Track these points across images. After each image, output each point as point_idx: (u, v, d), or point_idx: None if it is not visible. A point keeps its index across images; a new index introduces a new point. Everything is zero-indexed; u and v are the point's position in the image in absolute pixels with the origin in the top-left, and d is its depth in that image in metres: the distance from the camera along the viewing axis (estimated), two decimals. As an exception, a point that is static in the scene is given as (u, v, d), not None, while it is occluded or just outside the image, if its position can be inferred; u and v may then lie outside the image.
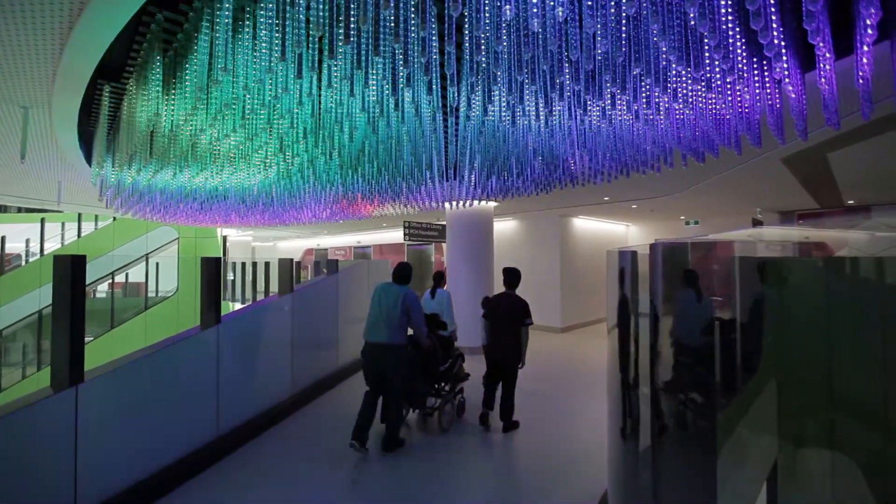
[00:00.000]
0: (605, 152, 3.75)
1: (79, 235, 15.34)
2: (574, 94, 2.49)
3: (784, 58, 1.92)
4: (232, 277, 15.67)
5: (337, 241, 18.96)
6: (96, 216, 14.99)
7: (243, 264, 15.28)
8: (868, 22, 1.53)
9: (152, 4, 2.48)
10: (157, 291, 15.48)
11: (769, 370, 1.82)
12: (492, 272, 8.52)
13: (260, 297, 13.76)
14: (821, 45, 1.68)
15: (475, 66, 2.02)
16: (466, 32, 1.89)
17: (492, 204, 8.49)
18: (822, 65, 1.87)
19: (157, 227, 15.29)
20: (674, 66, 2.22)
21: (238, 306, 14.36)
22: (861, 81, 1.94)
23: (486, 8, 1.70)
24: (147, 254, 15.40)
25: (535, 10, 1.52)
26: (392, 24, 1.72)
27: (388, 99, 2.63)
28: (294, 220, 8.79)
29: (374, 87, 2.39)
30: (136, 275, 15.71)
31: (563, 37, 1.87)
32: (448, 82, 2.12)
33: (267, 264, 13.30)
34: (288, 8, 1.98)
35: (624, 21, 1.85)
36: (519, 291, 4.69)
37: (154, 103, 2.79)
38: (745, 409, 1.92)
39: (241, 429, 4.34)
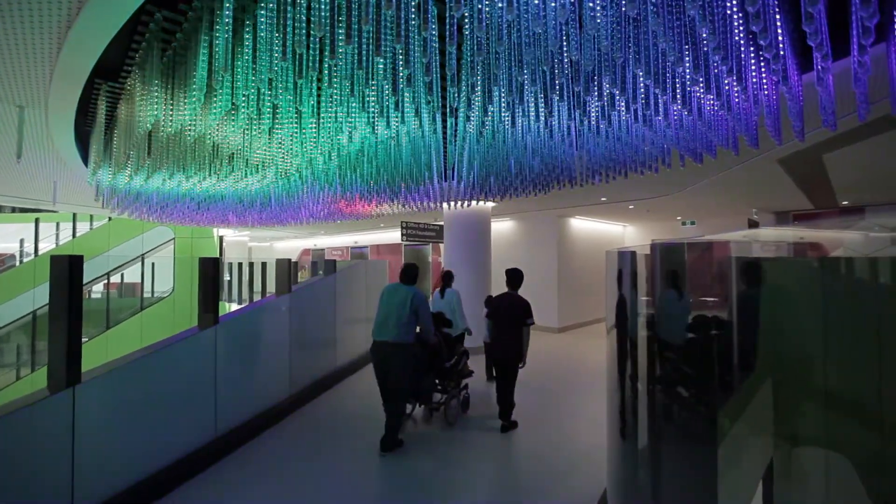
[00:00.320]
0: (604, 152, 3.76)
1: (73, 235, 15.25)
2: (573, 95, 2.50)
3: (781, 59, 1.93)
4: (228, 278, 15.61)
5: (334, 241, 18.92)
6: (91, 216, 14.90)
7: (240, 265, 15.23)
8: (866, 25, 1.54)
9: (151, 3, 2.47)
10: (152, 292, 15.40)
11: (765, 369, 1.83)
12: (490, 272, 8.53)
13: (257, 297, 13.72)
14: (820, 46, 1.69)
15: (475, 66, 2.03)
16: (467, 33, 1.89)
17: (490, 204, 8.50)
18: (820, 66, 1.89)
19: (153, 227, 15.22)
20: (673, 66, 2.23)
21: (235, 307, 14.31)
22: (859, 83, 1.96)
23: (486, 9, 1.71)
24: (143, 254, 15.32)
25: (537, 13, 1.52)
26: (393, 25, 1.72)
27: (389, 99, 2.63)
28: (292, 221, 8.77)
29: (375, 88, 2.39)
30: (131, 275, 15.63)
31: (563, 37, 1.88)
32: (448, 83, 2.12)
33: (264, 264, 13.26)
34: (289, 8, 1.98)
35: (623, 21, 1.86)
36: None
37: (153, 103, 2.78)
38: (742, 408, 1.93)
39: (240, 429, 4.32)
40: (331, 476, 3.68)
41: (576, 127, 3.25)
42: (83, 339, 3.11)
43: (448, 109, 2.59)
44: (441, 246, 14.15)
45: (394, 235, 15.64)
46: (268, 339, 5.01)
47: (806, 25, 1.55)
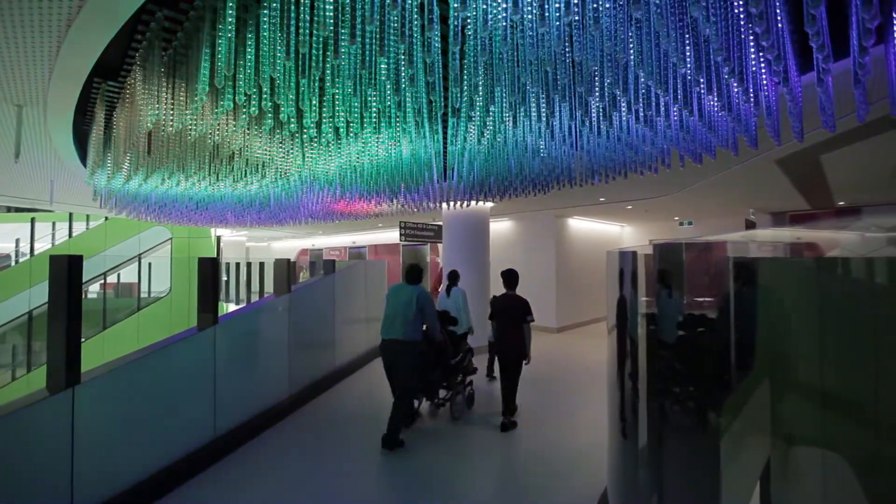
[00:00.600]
0: (605, 153, 3.78)
1: (70, 235, 15.16)
2: (575, 95, 2.50)
3: (783, 60, 1.94)
4: (225, 278, 15.56)
5: (332, 241, 18.90)
6: (87, 216, 14.83)
7: (237, 264, 15.18)
8: (867, 26, 1.55)
9: (152, 2, 2.47)
10: (149, 292, 15.34)
11: (758, 367, 1.84)
12: (488, 272, 8.54)
13: (254, 297, 13.68)
14: (822, 48, 1.70)
15: (478, 66, 2.03)
16: (470, 33, 1.90)
17: (488, 204, 8.51)
18: (821, 67, 1.90)
19: (150, 227, 15.15)
20: (675, 67, 2.24)
21: (233, 307, 14.27)
22: (859, 84, 1.97)
23: (491, 10, 1.71)
24: (140, 254, 15.25)
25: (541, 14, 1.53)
26: (397, 25, 1.72)
27: (391, 99, 2.63)
28: (291, 220, 8.75)
29: (378, 88, 2.38)
30: (128, 275, 15.56)
31: (565, 38, 1.88)
32: (451, 83, 2.13)
33: (262, 265, 13.22)
34: (291, 7, 1.98)
35: (626, 22, 1.86)
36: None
37: (155, 102, 2.77)
38: (730, 404, 1.95)
39: (239, 429, 4.31)
40: (331, 476, 3.68)
41: (577, 127, 3.26)
42: (79, 340, 3.09)
43: (450, 110, 2.59)
44: (439, 246, 14.15)
45: (392, 235, 15.63)
46: (267, 339, 5.00)
47: (808, 27, 1.56)
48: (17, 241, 14.99)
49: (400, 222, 9.29)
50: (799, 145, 4.35)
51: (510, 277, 4.88)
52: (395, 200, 6.53)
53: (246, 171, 4.47)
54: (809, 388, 1.74)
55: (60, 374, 2.89)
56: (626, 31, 1.77)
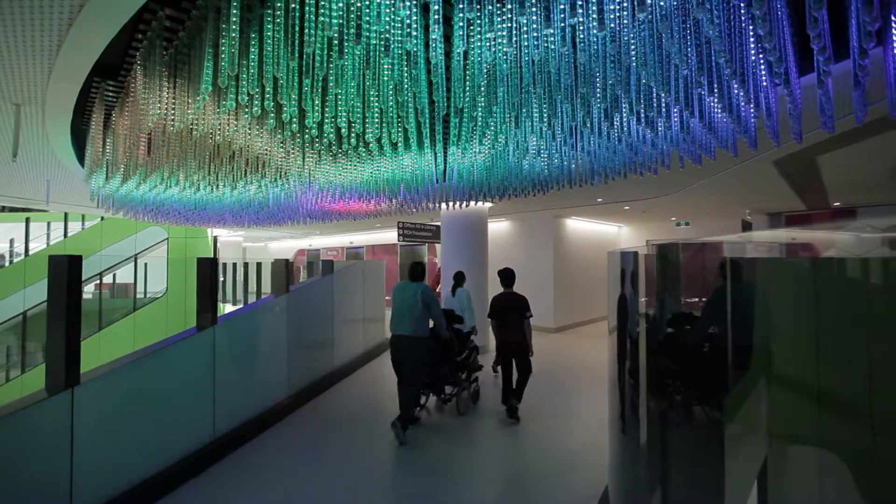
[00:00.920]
0: (605, 153, 3.79)
1: (65, 235, 15.07)
2: (577, 96, 2.52)
3: (784, 62, 1.96)
4: (222, 279, 15.49)
5: (329, 241, 18.86)
6: (83, 216, 14.73)
7: (234, 265, 15.12)
8: (868, 29, 1.57)
9: (154, 2, 2.46)
10: (145, 292, 15.26)
11: (758, 368, 1.86)
12: (487, 272, 8.55)
13: (252, 298, 13.63)
14: (823, 50, 1.72)
15: (482, 67, 2.04)
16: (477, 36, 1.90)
17: (487, 205, 8.52)
18: (822, 69, 1.92)
19: (146, 227, 15.07)
20: (677, 68, 2.25)
21: (230, 308, 14.21)
22: (859, 86, 1.99)
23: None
24: (136, 254, 15.17)
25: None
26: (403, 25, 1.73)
27: (392, 100, 2.63)
28: (289, 221, 8.73)
29: (381, 88, 2.39)
30: (124, 275, 15.47)
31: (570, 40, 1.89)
32: (453, 84, 2.13)
33: (259, 265, 13.18)
34: (296, 7, 1.98)
35: (630, 24, 1.87)
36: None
37: (156, 100, 2.76)
38: (737, 407, 1.97)
39: (238, 430, 4.30)
40: (330, 476, 3.67)
41: (578, 128, 3.28)
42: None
43: (452, 110, 2.60)
44: (437, 246, 14.15)
45: (389, 236, 15.61)
46: (266, 339, 4.99)
47: (810, 29, 1.58)
48: (12, 240, 14.88)
49: (398, 222, 9.29)
50: (796, 146, 4.39)
51: (507, 276, 5.08)
52: (394, 200, 6.53)
53: (246, 170, 4.46)
54: (790, 384, 1.77)
55: (60, 375, 2.88)
56: (630, 33, 1.78)
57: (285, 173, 4.72)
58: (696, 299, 2.44)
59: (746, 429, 1.96)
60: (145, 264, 15.29)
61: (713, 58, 2.11)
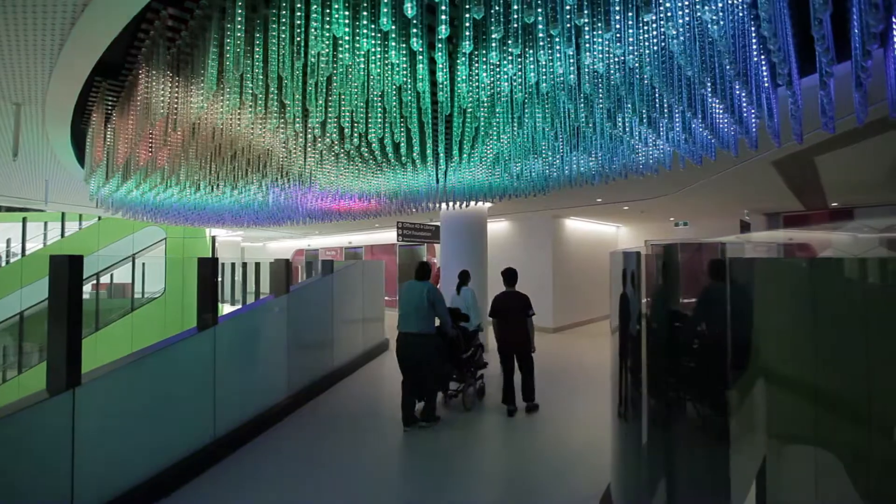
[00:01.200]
0: (607, 154, 3.80)
1: (62, 235, 14.99)
2: (580, 95, 2.52)
3: (787, 63, 1.97)
4: (220, 279, 15.42)
5: (328, 241, 18.83)
6: (80, 215, 14.66)
7: (233, 265, 15.07)
8: (872, 31, 1.58)
9: (157, 1, 2.45)
10: (143, 292, 15.19)
11: (756, 368, 1.88)
12: (486, 272, 8.56)
13: (250, 298, 13.60)
14: (826, 51, 1.73)
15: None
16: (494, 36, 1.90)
17: (487, 205, 8.53)
18: (825, 70, 1.93)
19: (144, 226, 15.01)
20: (681, 70, 2.26)
21: (228, 308, 14.17)
22: (860, 88, 2.00)
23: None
24: (133, 254, 15.10)
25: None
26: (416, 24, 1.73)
27: (395, 100, 2.64)
28: (288, 221, 8.72)
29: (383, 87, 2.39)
30: (121, 275, 15.40)
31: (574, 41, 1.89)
32: (458, 81, 2.13)
33: (257, 265, 13.15)
34: (300, 7, 1.97)
35: (636, 27, 1.88)
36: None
37: (159, 100, 2.75)
38: (735, 407, 1.98)
39: (238, 431, 4.29)
40: (330, 477, 3.67)
41: (580, 128, 3.28)
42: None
43: (455, 110, 2.60)
44: (436, 246, 14.15)
45: (388, 236, 15.60)
46: (266, 339, 4.99)
47: (815, 31, 1.59)
48: (9, 240, 14.80)
49: (397, 222, 9.29)
50: (796, 147, 4.41)
51: (510, 275, 5.22)
52: (393, 201, 6.54)
53: (247, 170, 4.45)
54: (780, 381, 1.79)
55: (61, 375, 2.87)
56: (635, 34, 1.79)
57: (286, 173, 4.71)
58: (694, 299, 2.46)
59: (740, 427, 1.98)
60: (143, 264, 15.22)
61: (716, 59, 2.12)
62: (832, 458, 1.61)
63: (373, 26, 1.88)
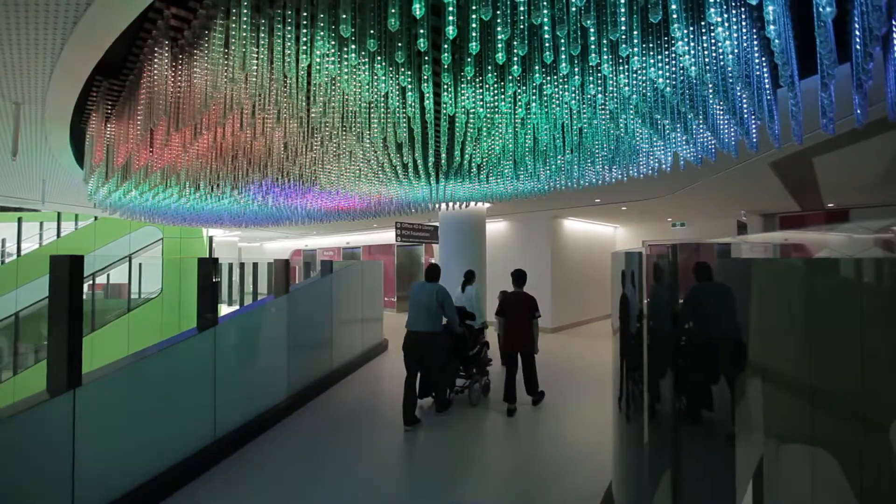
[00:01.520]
0: (609, 154, 3.82)
1: (58, 235, 14.89)
2: (584, 95, 2.54)
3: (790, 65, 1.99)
4: (216, 279, 15.34)
5: (326, 241, 18.80)
6: (76, 215, 14.57)
7: (230, 265, 15.02)
8: (875, 34, 1.60)
9: (160, 1, 2.45)
10: (139, 293, 15.10)
11: (754, 368, 1.90)
12: (484, 272, 8.57)
13: (248, 299, 13.55)
14: (829, 54, 1.74)
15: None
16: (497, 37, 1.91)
17: (485, 205, 8.54)
18: (826, 72, 1.95)
19: (141, 227, 14.93)
20: (686, 71, 2.28)
21: (225, 308, 14.11)
22: (861, 90, 2.02)
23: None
24: (130, 254, 15.02)
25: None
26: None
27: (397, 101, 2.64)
28: (288, 221, 8.70)
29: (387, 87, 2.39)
30: (118, 276, 15.31)
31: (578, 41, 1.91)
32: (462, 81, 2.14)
33: (255, 265, 13.11)
34: (306, 7, 1.98)
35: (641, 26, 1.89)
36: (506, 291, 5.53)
37: (161, 100, 2.75)
38: (733, 406, 2.01)
39: (238, 431, 4.28)
40: (330, 477, 3.66)
41: (581, 129, 3.30)
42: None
43: (458, 109, 2.61)
44: (434, 247, 14.15)
45: (385, 236, 15.59)
46: (266, 340, 4.98)
47: (818, 34, 1.60)
48: (4, 241, 14.69)
49: (396, 223, 9.30)
50: (794, 147, 4.44)
51: (519, 276, 5.36)
52: (393, 201, 6.54)
53: (248, 170, 4.44)
54: (801, 386, 1.80)
55: (62, 376, 2.85)
56: (640, 36, 1.80)
57: (287, 172, 4.71)
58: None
59: (741, 426, 2.01)
60: (139, 265, 15.14)
61: (719, 60, 2.13)
62: (828, 457, 1.63)
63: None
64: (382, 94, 2.21)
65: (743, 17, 1.96)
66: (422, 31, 1.63)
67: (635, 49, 1.72)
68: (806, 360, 1.71)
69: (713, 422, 2.15)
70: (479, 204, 8.17)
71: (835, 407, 1.63)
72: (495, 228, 11.74)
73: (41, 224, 15.10)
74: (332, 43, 1.83)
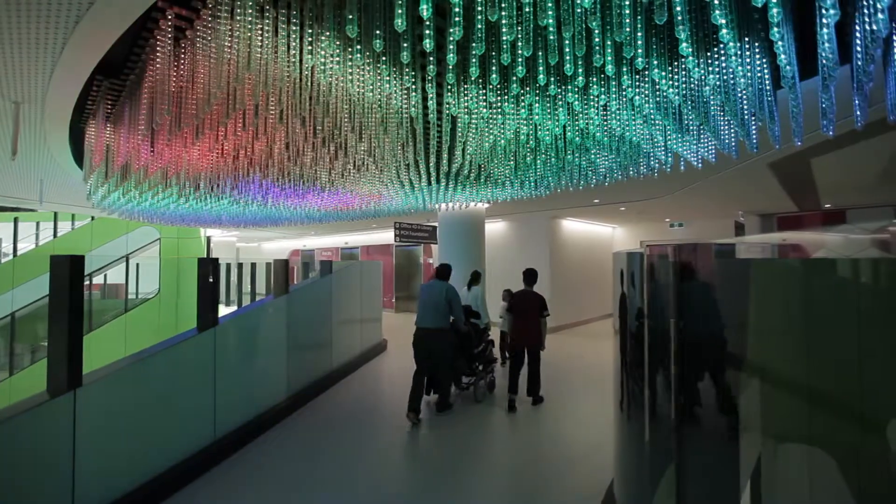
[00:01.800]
0: (610, 154, 3.83)
1: (55, 235, 14.82)
2: (588, 95, 2.55)
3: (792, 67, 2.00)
4: (212, 279, 15.25)
5: (324, 241, 18.77)
6: (73, 215, 14.50)
7: (228, 265, 14.97)
8: (877, 35, 1.61)
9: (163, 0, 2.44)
10: (136, 293, 15.04)
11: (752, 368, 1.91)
12: (484, 272, 8.57)
13: (246, 299, 13.51)
14: (830, 55, 1.76)
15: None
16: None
17: (484, 205, 8.55)
18: (827, 74, 1.96)
19: (138, 226, 14.87)
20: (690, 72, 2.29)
21: (223, 309, 14.03)
22: (861, 91, 2.04)
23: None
24: (127, 254, 14.96)
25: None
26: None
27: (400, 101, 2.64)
28: (287, 221, 8.69)
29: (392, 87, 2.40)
30: (115, 276, 15.24)
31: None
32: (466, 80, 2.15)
33: (253, 265, 13.07)
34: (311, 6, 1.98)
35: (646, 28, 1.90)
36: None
37: (162, 100, 2.74)
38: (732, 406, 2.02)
39: (238, 432, 4.27)
40: (330, 478, 3.66)
41: (583, 130, 3.31)
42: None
43: (461, 109, 2.61)
44: (433, 247, 14.15)
45: (384, 236, 15.59)
46: (266, 340, 4.97)
47: (821, 35, 1.62)
48: (0, 241, 14.60)
49: (395, 223, 9.29)
50: (793, 148, 4.46)
51: (530, 276, 5.50)
52: (394, 202, 6.54)
53: (249, 170, 4.44)
54: (798, 386, 1.82)
55: (62, 377, 2.84)
56: (646, 38, 1.81)
57: (288, 172, 4.70)
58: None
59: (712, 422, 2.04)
60: (137, 265, 15.08)
61: (721, 61, 2.15)
62: (826, 456, 1.64)
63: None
64: (387, 94, 2.21)
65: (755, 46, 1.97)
66: (427, 31, 1.63)
67: (648, 58, 1.72)
68: (804, 360, 1.72)
69: (707, 418, 2.18)
70: (479, 204, 8.18)
71: (832, 407, 1.64)
72: (494, 228, 11.75)
73: (37, 224, 15.02)
74: (338, 43, 1.83)
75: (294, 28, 2.03)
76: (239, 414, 4.37)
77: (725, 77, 2.17)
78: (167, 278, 14.87)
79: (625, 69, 2.07)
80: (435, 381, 5.19)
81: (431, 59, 1.97)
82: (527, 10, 1.63)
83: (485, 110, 2.50)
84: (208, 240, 16.40)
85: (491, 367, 5.91)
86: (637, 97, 2.37)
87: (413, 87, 2.15)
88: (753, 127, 3.00)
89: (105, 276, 15.24)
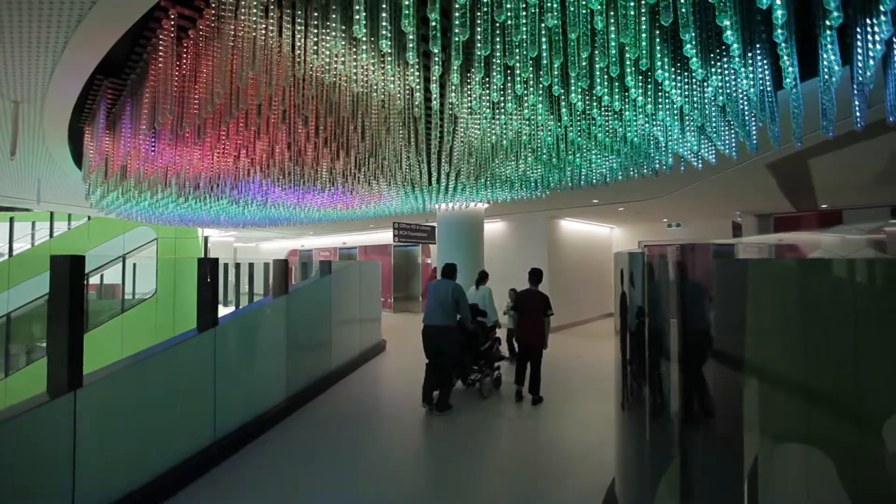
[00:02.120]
0: (611, 155, 3.85)
1: (51, 235, 14.74)
2: (591, 96, 2.55)
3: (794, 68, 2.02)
4: (209, 279, 15.20)
5: (322, 242, 18.74)
6: (69, 215, 14.42)
7: (225, 265, 14.93)
8: (878, 38, 1.62)
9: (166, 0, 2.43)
10: (133, 293, 14.97)
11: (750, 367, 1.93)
12: (483, 273, 8.59)
13: (244, 299, 13.47)
14: (831, 56, 1.77)
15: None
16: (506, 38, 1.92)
17: (483, 205, 8.56)
18: (827, 76, 1.98)
19: (135, 226, 14.80)
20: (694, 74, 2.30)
21: (221, 309, 13.99)
22: (861, 93, 2.06)
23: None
24: (124, 254, 14.89)
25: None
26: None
27: (403, 100, 2.65)
28: (286, 221, 8.67)
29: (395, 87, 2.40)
30: (111, 276, 15.17)
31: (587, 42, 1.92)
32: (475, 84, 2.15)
33: (251, 266, 13.04)
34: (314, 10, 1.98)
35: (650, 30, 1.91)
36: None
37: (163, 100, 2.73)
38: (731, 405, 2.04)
39: (238, 432, 4.26)
40: (330, 478, 3.66)
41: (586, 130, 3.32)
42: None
43: (461, 109, 2.62)
44: (431, 248, 14.15)
45: (382, 237, 15.58)
46: (265, 340, 4.96)
47: (823, 37, 1.63)
48: (-5, 240, 14.51)
49: (394, 223, 9.29)
50: (792, 148, 4.49)
51: (535, 275, 5.65)
52: (393, 203, 6.54)
53: (250, 170, 4.43)
54: (796, 386, 1.83)
55: (62, 377, 2.83)
56: (650, 38, 1.82)
57: (289, 172, 4.70)
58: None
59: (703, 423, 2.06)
60: (133, 265, 15.01)
61: (723, 63, 2.16)
62: (823, 456, 1.65)
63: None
64: (392, 93, 2.21)
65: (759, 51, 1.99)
66: (433, 32, 1.64)
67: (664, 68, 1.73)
68: (801, 360, 1.73)
69: (701, 416, 2.19)
70: (477, 204, 8.19)
71: (829, 406, 1.65)
72: (493, 228, 11.76)
73: (33, 224, 14.94)
74: (343, 43, 1.83)
75: (299, 28, 2.03)
76: (239, 414, 4.36)
77: (727, 78, 2.17)
78: (164, 278, 14.81)
79: (628, 68, 2.07)
80: (436, 379, 5.21)
81: (436, 58, 1.98)
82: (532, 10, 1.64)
83: (487, 110, 2.50)
84: (205, 240, 16.35)
85: (497, 364, 5.99)
86: (648, 103, 2.38)
87: (417, 86, 2.15)
88: (754, 128, 3.02)
89: (101, 276, 15.16)
